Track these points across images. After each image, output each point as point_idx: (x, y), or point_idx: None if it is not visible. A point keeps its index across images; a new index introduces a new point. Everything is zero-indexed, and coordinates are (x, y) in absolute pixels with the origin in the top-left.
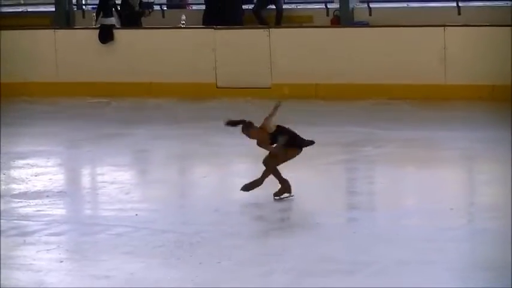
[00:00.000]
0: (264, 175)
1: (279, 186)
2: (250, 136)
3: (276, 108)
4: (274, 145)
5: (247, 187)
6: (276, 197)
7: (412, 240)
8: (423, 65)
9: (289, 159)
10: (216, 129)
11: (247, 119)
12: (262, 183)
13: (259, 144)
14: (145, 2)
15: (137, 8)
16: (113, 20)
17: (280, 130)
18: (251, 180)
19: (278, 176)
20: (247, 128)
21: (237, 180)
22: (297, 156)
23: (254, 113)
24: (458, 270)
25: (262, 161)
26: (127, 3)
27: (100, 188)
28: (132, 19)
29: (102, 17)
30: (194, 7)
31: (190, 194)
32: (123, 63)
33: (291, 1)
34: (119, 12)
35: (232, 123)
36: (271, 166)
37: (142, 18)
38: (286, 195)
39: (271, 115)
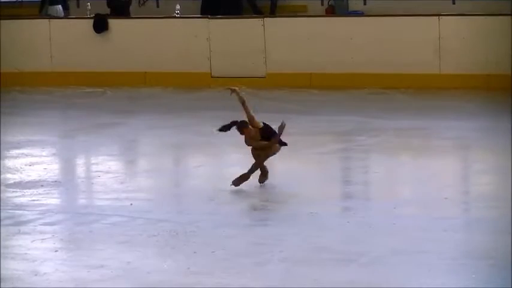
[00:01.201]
0: (253, 169)
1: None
2: (242, 133)
3: (244, 106)
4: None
5: (237, 182)
6: (261, 183)
7: (407, 229)
8: (418, 54)
9: (273, 154)
10: (211, 119)
11: (238, 119)
12: (250, 176)
13: (250, 141)
14: None
15: None
16: (59, 8)
17: (267, 126)
18: (239, 175)
19: (263, 167)
20: (241, 127)
21: (232, 170)
22: (290, 145)
23: (249, 103)
24: (452, 259)
25: (252, 154)
26: None
27: (95, 177)
28: (119, 9)
29: (49, 5)
30: None
31: (185, 183)
32: (117, 53)
33: None
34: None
35: (225, 128)
36: (261, 159)
37: (136, 8)
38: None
39: (249, 113)
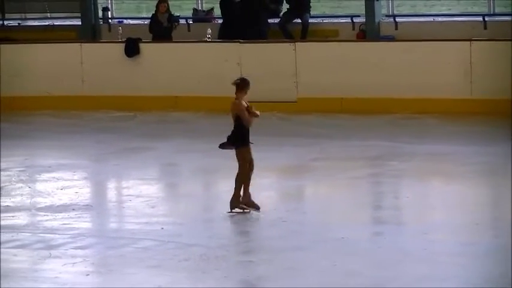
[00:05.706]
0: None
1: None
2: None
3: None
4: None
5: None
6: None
7: (438, 255)
8: (449, 79)
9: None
10: None
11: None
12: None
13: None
14: (172, 16)
15: (166, 24)
16: None
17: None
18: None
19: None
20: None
21: (262, 193)
22: (321, 170)
23: (280, 127)
24: (481, 286)
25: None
26: (156, 20)
27: (126, 201)
28: (161, 35)
29: None
30: (220, 21)
31: (215, 207)
32: (148, 77)
33: (317, 15)
34: None
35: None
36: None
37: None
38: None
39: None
